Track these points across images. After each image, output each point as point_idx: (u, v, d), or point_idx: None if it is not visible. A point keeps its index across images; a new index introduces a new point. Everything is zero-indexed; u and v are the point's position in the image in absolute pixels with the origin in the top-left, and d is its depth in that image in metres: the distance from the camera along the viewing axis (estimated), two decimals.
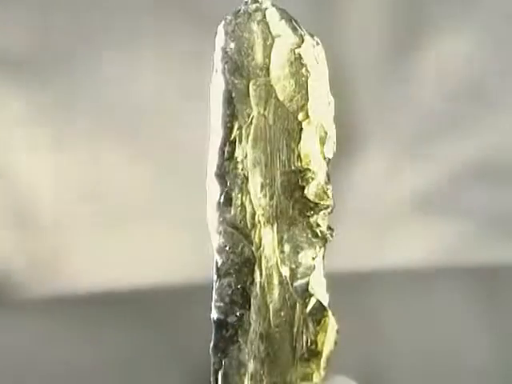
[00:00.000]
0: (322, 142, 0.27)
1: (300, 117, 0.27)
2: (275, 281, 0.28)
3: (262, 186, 0.27)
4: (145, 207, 0.53)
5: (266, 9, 0.27)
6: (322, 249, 0.28)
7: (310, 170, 0.27)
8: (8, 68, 0.50)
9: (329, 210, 0.28)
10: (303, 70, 0.27)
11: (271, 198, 0.27)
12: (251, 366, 0.27)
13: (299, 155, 0.27)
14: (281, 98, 0.27)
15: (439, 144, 0.54)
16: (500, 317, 0.51)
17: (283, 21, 0.27)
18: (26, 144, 0.51)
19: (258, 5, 0.27)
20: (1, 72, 0.50)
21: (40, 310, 0.52)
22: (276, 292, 0.28)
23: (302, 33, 0.27)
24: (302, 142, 0.27)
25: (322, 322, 0.28)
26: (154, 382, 0.47)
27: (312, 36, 0.27)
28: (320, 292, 0.28)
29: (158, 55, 0.50)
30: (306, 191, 0.27)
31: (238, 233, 0.27)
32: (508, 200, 0.55)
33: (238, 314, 0.27)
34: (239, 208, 0.27)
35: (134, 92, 0.51)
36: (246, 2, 0.27)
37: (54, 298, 0.52)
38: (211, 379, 0.27)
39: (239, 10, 0.27)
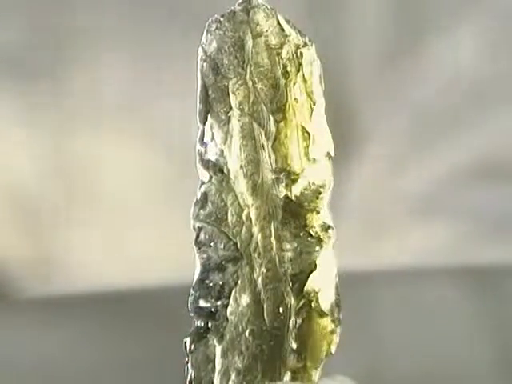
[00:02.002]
0: (306, 143, 0.27)
1: (277, 117, 0.27)
2: (274, 278, 0.28)
3: (257, 184, 0.27)
4: (145, 206, 0.53)
5: (253, 8, 0.27)
6: (326, 249, 0.28)
7: (286, 170, 0.27)
8: (5, 65, 0.50)
9: (316, 211, 0.28)
10: (282, 70, 0.27)
11: (266, 196, 0.27)
12: (238, 362, 0.27)
13: (276, 156, 0.27)
14: (262, 98, 0.27)
15: (439, 144, 0.54)
16: (499, 317, 0.51)
17: (270, 21, 0.27)
18: (25, 143, 0.51)
19: (245, 4, 0.27)
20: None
21: (40, 310, 0.52)
22: (275, 289, 0.28)
23: (288, 33, 0.27)
24: (277, 142, 0.27)
25: (307, 322, 0.28)
26: (154, 381, 0.47)
27: (303, 36, 0.27)
28: (325, 292, 0.28)
29: (155, 55, 0.50)
30: (288, 192, 0.27)
31: (218, 230, 0.27)
32: (507, 200, 0.55)
33: (212, 310, 0.27)
34: (219, 205, 0.27)
35: (133, 91, 0.51)
36: (239, 2, 0.27)
37: (53, 297, 0.52)
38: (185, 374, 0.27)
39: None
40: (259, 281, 0.27)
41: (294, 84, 0.27)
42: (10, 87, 0.50)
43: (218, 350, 0.27)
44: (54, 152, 0.52)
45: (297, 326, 0.28)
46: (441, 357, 0.48)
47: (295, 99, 0.27)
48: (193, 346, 0.27)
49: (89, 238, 0.53)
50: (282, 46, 0.27)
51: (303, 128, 0.27)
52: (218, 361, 0.27)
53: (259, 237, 0.27)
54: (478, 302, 0.52)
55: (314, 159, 0.27)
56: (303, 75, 0.27)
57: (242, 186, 0.27)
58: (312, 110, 0.27)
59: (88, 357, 0.48)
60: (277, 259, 0.27)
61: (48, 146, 0.51)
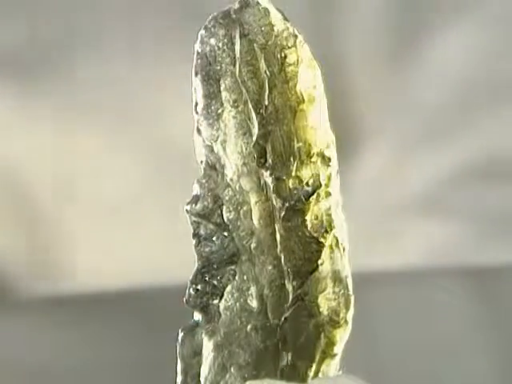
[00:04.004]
0: (291, 144, 0.28)
1: (259, 117, 0.27)
2: (279, 276, 0.28)
3: (261, 181, 0.27)
4: (145, 206, 0.53)
5: (247, 7, 0.27)
6: (328, 249, 0.28)
7: (268, 168, 0.27)
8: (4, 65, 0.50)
9: (306, 212, 0.28)
10: (263, 71, 0.27)
11: (268, 194, 0.27)
12: (238, 357, 0.27)
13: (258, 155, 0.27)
14: (251, 97, 0.27)
15: (439, 144, 0.54)
16: (500, 317, 0.51)
17: (262, 20, 0.27)
18: (25, 141, 0.51)
19: (241, 3, 0.27)
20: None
21: (40, 310, 0.52)
22: (280, 286, 0.28)
23: (276, 33, 0.27)
24: (260, 141, 0.27)
25: (290, 321, 0.28)
26: (154, 381, 0.47)
27: (293, 37, 0.27)
28: (327, 293, 0.28)
29: (156, 53, 0.50)
30: (275, 191, 0.28)
31: (214, 225, 0.27)
32: (508, 200, 0.55)
33: (205, 304, 0.27)
34: (214, 201, 0.27)
35: (132, 93, 0.51)
36: (239, 1, 0.27)
37: (54, 298, 0.53)
38: None
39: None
40: (262, 277, 0.27)
41: (276, 85, 0.27)
42: (9, 85, 0.50)
43: (210, 344, 0.27)
44: (55, 152, 0.52)
45: (280, 324, 0.28)
46: (440, 357, 0.48)
47: (278, 99, 0.27)
48: (180, 338, 0.27)
49: (89, 238, 0.53)
50: (267, 46, 0.27)
51: (287, 128, 0.27)
52: (211, 355, 0.27)
53: (263, 234, 0.27)
54: (477, 302, 0.52)
55: (302, 160, 0.28)
56: (286, 76, 0.28)
57: (245, 183, 0.27)
58: (296, 111, 0.28)
59: (88, 356, 0.48)
60: (282, 257, 0.27)
61: (48, 145, 0.52)
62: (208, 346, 0.27)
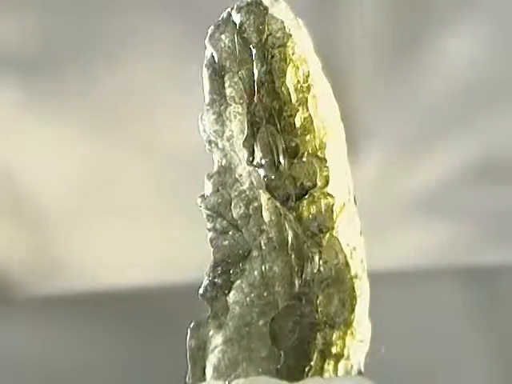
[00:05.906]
0: (281, 142, 0.28)
1: (248, 116, 0.28)
2: (290, 273, 0.28)
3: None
4: (145, 206, 0.53)
5: (247, 6, 0.27)
6: (331, 252, 0.28)
7: (257, 167, 0.27)
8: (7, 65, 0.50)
9: (301, 212, 0.28)
10: (252, 69, 0.28)
11: None
12: (250, 352, 0.27)
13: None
14: (246, 95, 0.27)
15: (439, 144, 0.54)
16: (500, 317, 0.51)
17: (259, 19, 0.28)
18: (26, 141, 0.51)
19: (243, 2, 0.28)
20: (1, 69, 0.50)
21: (40, 310, 0.52)
22: (291, 284, 0.28)
23: (269, 32, 0.28)
24: (250, 139, 0.28)
25: (290, 323, 0.28)
26: (154, 381, 0.47)
27: (289, 36, 0.28)
28: (328, 295, 0.28)
29: (163, 54, 0.50)
30: (267, 189, 0.28)
31: (226, 220, 0.27)
32: (508, 200, 0.55)
33: (215, 297, 0.27)
34: (223, 196, 0.27)
35: (138, 92, 0.51)
36: None
37: (54, 297, 0.52)
38: None
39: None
40: (275, 273, 0.27)
41: (263, 84, 0.28)
42: (14, 84, 0.50)
43: (218, 337, 0.27)
44: (55, 151, 0.52)
45: (269, 322, 0.28)
46: (440, 357, 0.48)
47: (265, 98, 0.28)
48: (189, 331, 0.27)
49: (89, 238, 0.53)
50: (259, 44, 0.27)
51: (274, 128, 0.28)
52: (219, 348, 0.27)
53: (274, 231, 0.27)
54: (477, 302, 0.52)
55: (292, 160, 0.28)
56: (273, 75, 0.28)
57: (257, 179, 0.27)
58: (282, 111, 0.28)
59: (88, 357, 0.48)
60: (293, 255, 0.27)
61: (49, 145, 0.52)
62: (216, 339, 0.27)
